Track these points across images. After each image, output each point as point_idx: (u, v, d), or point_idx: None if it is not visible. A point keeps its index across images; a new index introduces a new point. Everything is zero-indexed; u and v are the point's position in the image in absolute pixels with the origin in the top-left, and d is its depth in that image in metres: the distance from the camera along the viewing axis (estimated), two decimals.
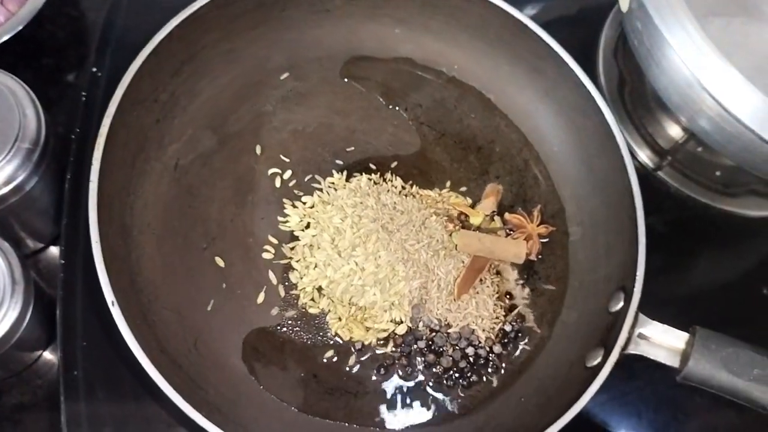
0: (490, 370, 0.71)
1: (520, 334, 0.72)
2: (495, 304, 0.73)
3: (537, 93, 0.80)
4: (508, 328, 0.72)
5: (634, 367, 0.71)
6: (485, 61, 0.82)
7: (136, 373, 0.60)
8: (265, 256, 0.72)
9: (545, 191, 0.79)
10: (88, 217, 0.62)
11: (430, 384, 0.70)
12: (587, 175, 0.77)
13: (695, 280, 0.83)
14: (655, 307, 0.66)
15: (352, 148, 0.78)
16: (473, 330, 0.71)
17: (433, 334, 0.71)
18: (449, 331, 0.71)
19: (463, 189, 0.78)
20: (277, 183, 0.76)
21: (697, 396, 0.74)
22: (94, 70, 0.76)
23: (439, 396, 0.70)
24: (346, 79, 0.82)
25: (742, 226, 0.85)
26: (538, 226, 0.76)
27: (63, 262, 0.68)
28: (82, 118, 0.73)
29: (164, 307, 0.67)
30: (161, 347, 0.64)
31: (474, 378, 0.70)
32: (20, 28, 0.72)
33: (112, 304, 0.60)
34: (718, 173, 0.85)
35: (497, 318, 0.72)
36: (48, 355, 0.73)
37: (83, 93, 0.75)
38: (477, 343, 0.71)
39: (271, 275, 0.72)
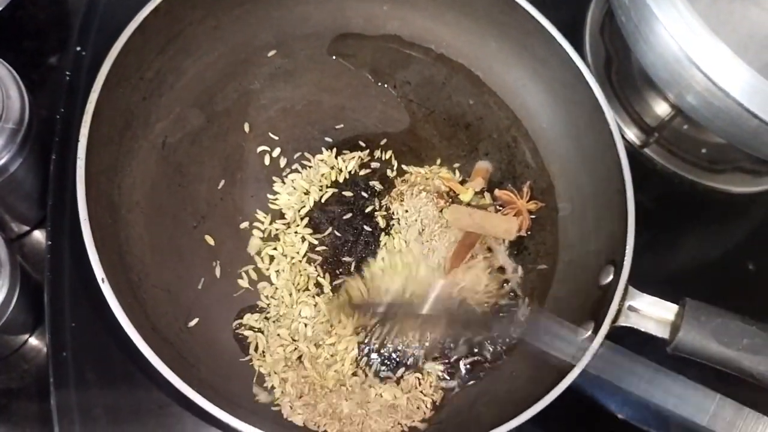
0: (486, 348, 0.71)
1: (513, 309, 0.72)
2: (488, 279, 0.73)
3: (525, 70, 0.80)
4: (503, 302, 0.72)
5: (624, 342, 0.71)
6: (473, 38, 0.81)
7: (127, 351, 0.60)
8: (255, 233, 0.72)
9: (534, 168, 0.79)
10: (76, 196, 0.61)
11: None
12: (576, 151, 0.77)
13: (682, 256, 0.83)
14: (643, 282, 0.66)
15: (341, 126, 0.78)
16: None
17: None
18: None
19: (456, 165, 0.78)
20: (266, 161, 0.75)
21: (685, 369, 0.74)
22: (78, 49, 0.75)
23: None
24: (333, 57, 0.81)
25: (728, 203, 0.85)
26: (527, 202, 0.76)
27: (50, 243, 0.67)
28: (66, 99, 0.72)
29: (154, 286, 0.67)
30: (152, 325, 0.63)
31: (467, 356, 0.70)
32: (0, 9, 0.71)
33: (102, 281, 0.59)
34: (704, 150, 0.85)
35: (490, 293, 0.72)
36: (34, 340, 0.72)
37: (67, 73, 0.74)
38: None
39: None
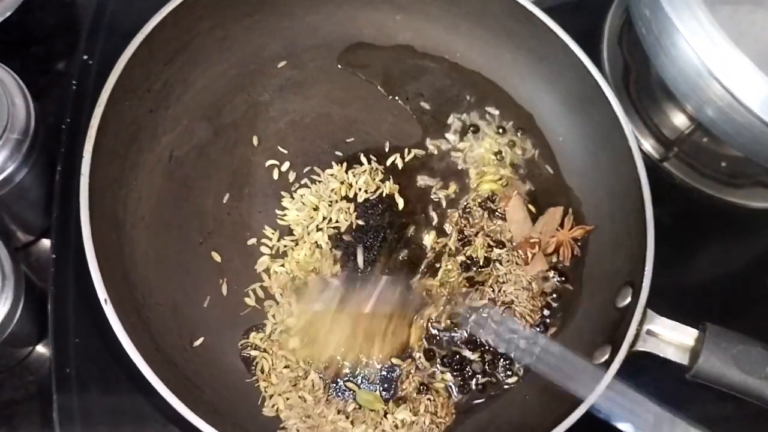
0: (499, 368, 0.69)
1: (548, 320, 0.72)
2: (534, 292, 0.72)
3: (541, 81, 0.79)
4: (546, 312, 0.71)
5: (639, 362, 0.70)
6: (487, 48, 0.80)
7: (130, 371, 0.59)
8: (263, 250, 0.71)
9: (552, 182, 0.77)
10: (80, 211, 0.61)
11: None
12: (593, 165, 0.75)
13: (701, 272, 0.82)
14: (660, 300, 0.65)
15: (352, 139, 0.77)
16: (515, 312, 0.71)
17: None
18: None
19: None
20: (275, 175, 0.74)
21: (702, 392, 0.72)
22: (85, 57, 0.75)
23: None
24: (344, 68, 0.80)
25: (748, 218, 0.84)
26: (570, 230, 0.74)
27: (54, 256, 0.67)
28: (72, 108, 0.72)
29: (159, 304, 0.66)
30: (156, 345, 0.63)
31: (479, 376, 0.69)
32: (9, 14, 0.70)
33: (105, 302, 0.58)
34: (723, 164, 0.84)
35: (535, 304, 0.72)
36: (40, 350, 0.72)
37: (74, 82, 0.73)
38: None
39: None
